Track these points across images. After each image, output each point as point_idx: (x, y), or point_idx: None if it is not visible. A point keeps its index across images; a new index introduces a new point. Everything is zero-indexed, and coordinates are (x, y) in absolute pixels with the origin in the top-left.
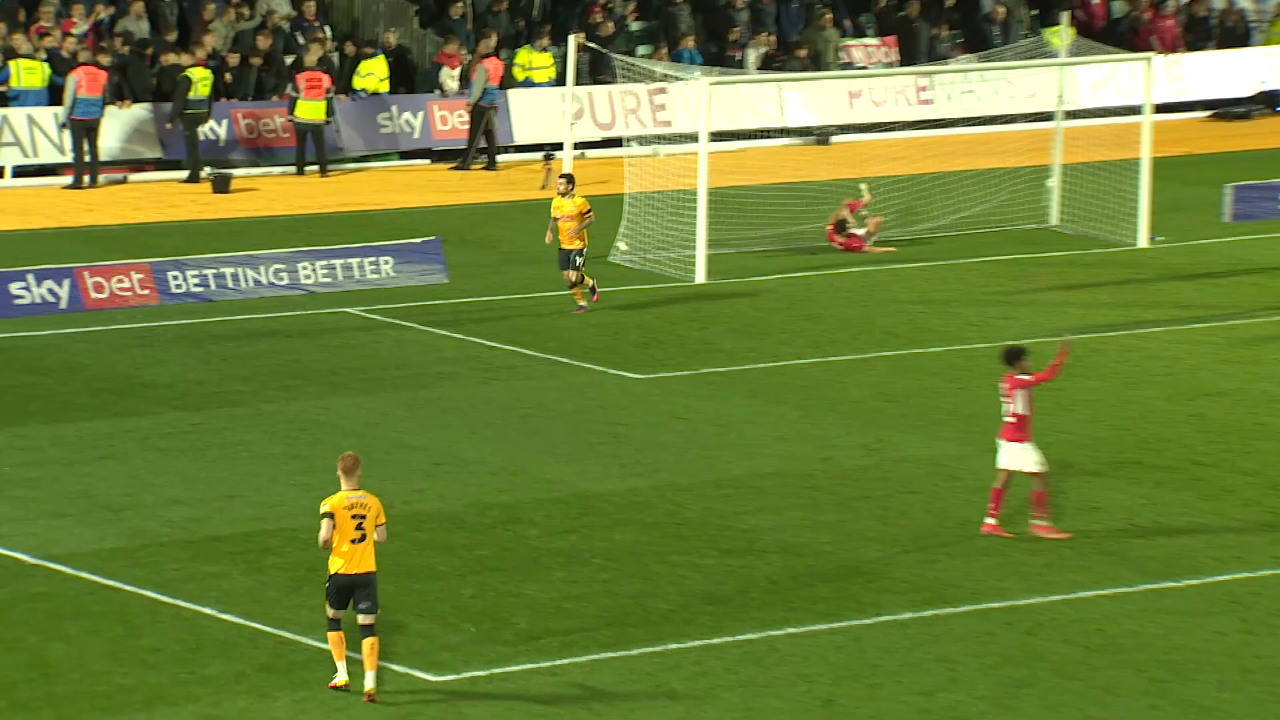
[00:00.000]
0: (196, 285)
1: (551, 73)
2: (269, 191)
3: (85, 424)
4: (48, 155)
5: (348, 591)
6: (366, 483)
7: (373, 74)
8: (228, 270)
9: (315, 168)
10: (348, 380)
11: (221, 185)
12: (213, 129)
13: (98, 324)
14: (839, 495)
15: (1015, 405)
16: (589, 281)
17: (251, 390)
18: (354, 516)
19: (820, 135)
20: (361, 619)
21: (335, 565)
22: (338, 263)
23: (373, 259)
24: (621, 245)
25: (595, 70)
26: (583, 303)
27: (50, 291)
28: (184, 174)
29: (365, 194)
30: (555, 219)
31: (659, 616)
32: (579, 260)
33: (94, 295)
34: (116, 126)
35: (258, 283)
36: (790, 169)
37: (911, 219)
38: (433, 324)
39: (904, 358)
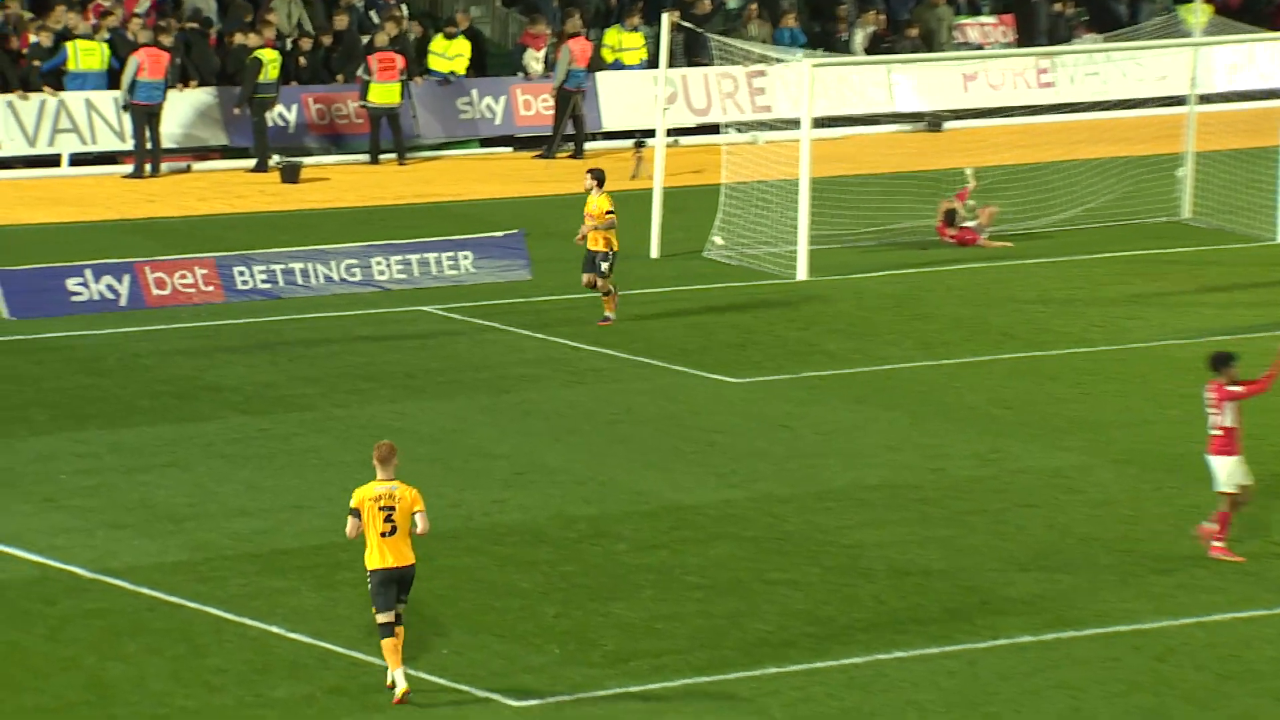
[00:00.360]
0: (264, 281)
1: (643, 54)
2: (341, 181)
3: (146, 429)
4: (107, 142)
5: (393, 587)
6: (445, 492)
7: (460, 55)
8: (297, 266)
9: (391, 156)
10: (424, 383)
11: (291, 175)
12: (281, 114)
13: (159, 322)
14: (951, 509)
15: (1223, 418)
16: (608, 287)
17: (322, 393)
18: (382, 509)
19: (932, 121)
20: (388, 617)
21: (373, 561)
22: (414, 258)
23: (451, 254)
24: (717, 239)
25: (690, 51)
26: (610, 313)
27: (109, 288)
28: (251, 162)
29: (443, 184)
30: (589, 216)
31: (757, 638)
32: (603, 265)
33: (156, 292)
34: (180, 111)
35: (329, 279)
36: (899, 157)
37: (1030, 211)
38: (515, 323)
39: (1022, 361)
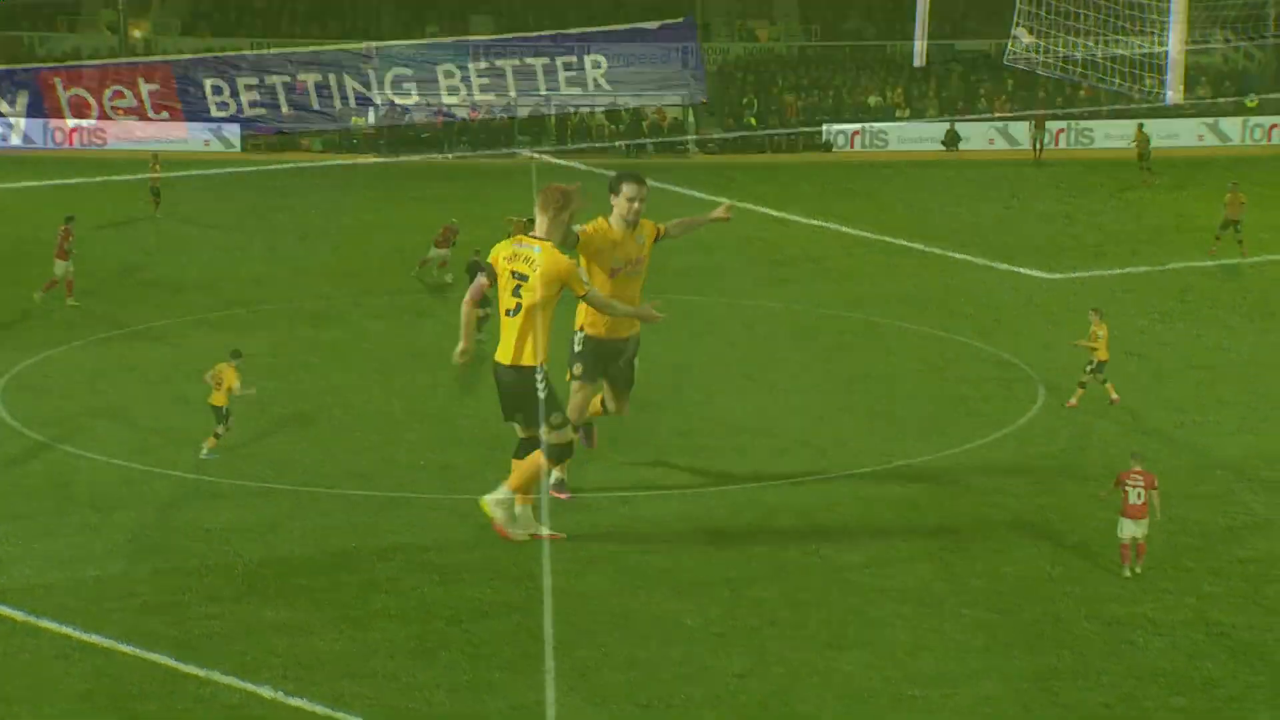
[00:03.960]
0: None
1: None
2: None
3: None
4: None
5: (510, 398)
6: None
7: None
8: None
9: None
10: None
11: None
12: None
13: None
14: None
15: None
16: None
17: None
18: (515, 275)
19: None
20: (521, 431)
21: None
22: (508, 65)
23: (573, 60)
24: (1022, 34)
25: None
26: (561, 473)
27: None
28: None
29: None
30: (616, 269)
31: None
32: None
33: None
34: None
35: (361, 99)
36: None
37: None
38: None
39: None
